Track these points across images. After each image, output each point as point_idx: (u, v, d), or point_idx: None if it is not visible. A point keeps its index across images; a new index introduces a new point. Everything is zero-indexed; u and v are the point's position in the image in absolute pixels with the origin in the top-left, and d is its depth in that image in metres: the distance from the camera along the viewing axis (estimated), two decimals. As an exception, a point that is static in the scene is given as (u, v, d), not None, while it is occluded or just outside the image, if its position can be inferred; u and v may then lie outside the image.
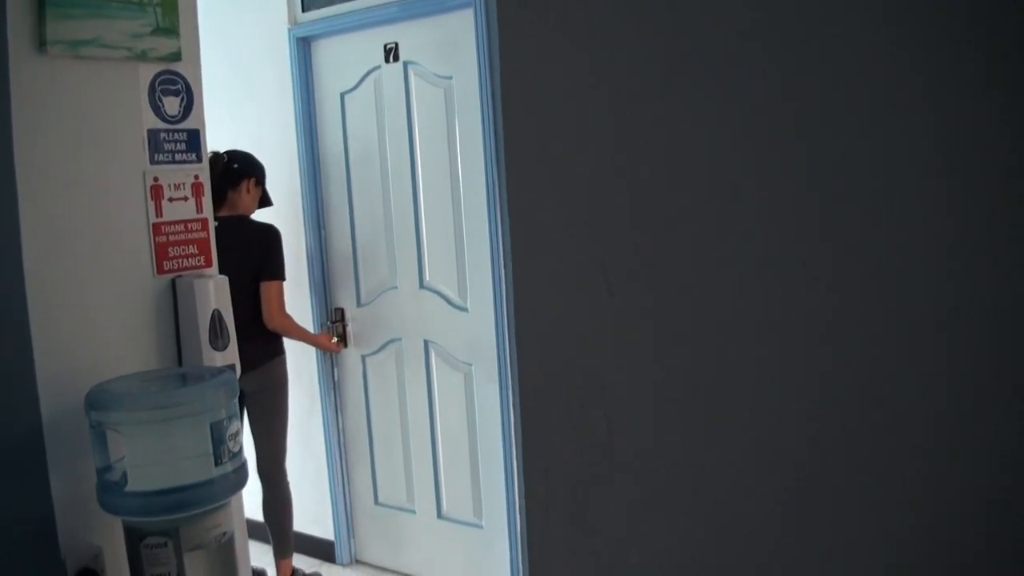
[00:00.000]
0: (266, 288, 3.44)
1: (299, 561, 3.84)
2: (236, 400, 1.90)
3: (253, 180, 3.51)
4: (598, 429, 0.77)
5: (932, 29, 0.58)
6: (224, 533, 1.86)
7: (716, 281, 0.68)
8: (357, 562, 4.04)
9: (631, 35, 0.69)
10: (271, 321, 3.47)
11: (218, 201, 3.41)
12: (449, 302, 3.57)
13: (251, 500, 3.69)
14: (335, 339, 3.84)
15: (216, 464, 1.80)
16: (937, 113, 0.59)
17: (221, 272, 2.31)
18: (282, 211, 3.81)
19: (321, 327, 3.89)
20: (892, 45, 0.60)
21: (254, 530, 3.87)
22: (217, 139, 3.60)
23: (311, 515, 4.00)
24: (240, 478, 1.89)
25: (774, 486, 0.67)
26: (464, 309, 3.52)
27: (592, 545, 0.79)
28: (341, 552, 4.02)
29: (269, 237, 3.49)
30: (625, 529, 0.76)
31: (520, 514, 0.89)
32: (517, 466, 0.89)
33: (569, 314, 0.76)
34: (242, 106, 3.96)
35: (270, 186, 3.66)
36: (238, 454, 1.87)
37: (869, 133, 0.61)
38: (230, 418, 1.84)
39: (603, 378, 0.75)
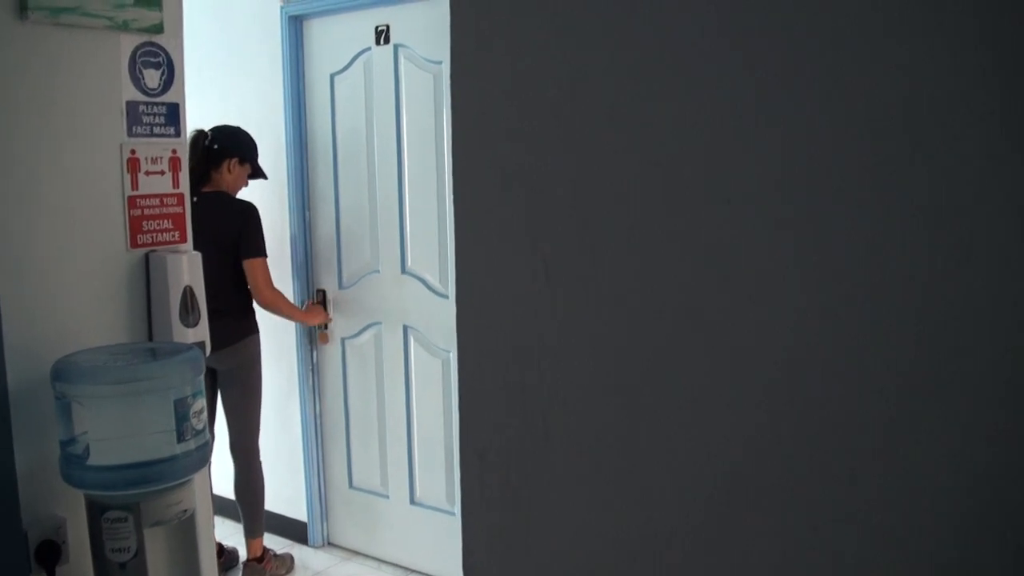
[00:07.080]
0: (250, 266, 3.41)
1: (271, 541, 3.84)
2: (201, 378, 1.89)
3: (236, 159, 3.47)
4: (534, 415, 0.76)
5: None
6: (185, 510, 1.86)
7: (654, 271, 0.67)
8: (329, 544, 4.04)
9: (584, 15, 0.68)
10: (260, 298, 3.44)
11: (203, 180, 3.38)
12: (430, 288, 3.56)
13: (224, 479, 3.70)
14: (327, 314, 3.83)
15: (179, 441, 1.79)
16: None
17: (197, 247, 2.29)
18: (268, 190, 3.79)
19: (302, 304, 3.86)
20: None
21: (226, 508, 3.87)
22: (207, 114, 3.58)
23: (285, 496, 4.00)
24: (203, 456, 1.88)
25: (709, 467, 0.67)
26: (444, 296, 3.50)
27: (524, 529, 0.78)
28: (314, 534, 4.01)
29: (247, 214, 3.44)
30: (557, 513, 0.76)
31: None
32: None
33: (507, 299, 0.75)
34: (234, 82, 3.94)
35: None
36: (202, 432, 1.86)
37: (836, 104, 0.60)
38: (195, 395, 1.83)
39: (540, 365, 0.75)
